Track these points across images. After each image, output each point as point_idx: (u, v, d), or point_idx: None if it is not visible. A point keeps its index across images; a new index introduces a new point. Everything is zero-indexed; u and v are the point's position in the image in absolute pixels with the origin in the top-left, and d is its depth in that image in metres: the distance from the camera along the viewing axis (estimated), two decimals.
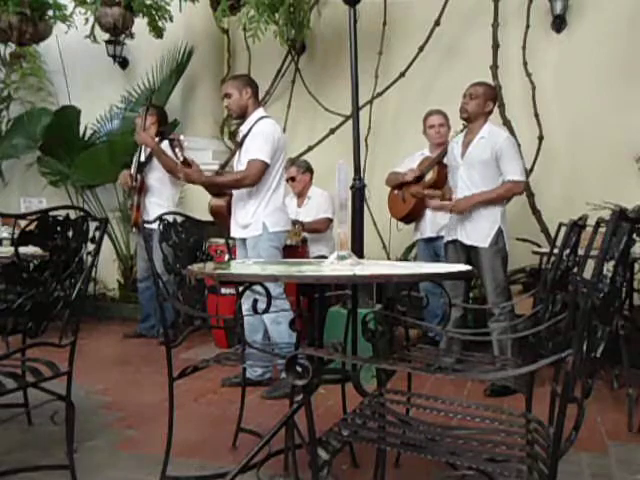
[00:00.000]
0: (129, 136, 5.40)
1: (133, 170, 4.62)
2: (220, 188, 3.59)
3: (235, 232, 3.53)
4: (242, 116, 3.52)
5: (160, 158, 4.43)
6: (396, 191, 4.41)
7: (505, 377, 2.72)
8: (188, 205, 5.22)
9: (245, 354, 2.46)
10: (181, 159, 3.61)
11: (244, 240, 3.49)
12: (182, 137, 3.72)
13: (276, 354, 2.45)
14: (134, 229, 4.72)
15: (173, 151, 3.66)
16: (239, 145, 3.52)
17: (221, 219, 3.68)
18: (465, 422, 1.59)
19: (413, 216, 4.37)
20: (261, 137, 3.38)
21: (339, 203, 1.90)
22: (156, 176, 4.56)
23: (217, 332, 4.37)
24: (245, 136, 3.46)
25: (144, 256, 4.63)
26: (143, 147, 4.62)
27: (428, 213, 4.27)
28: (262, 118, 3.46)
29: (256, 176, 3.35)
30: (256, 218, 3.41)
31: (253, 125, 3.44)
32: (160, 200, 4.52)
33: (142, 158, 4.59)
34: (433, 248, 4.31)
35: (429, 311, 4.12)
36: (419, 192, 4.12)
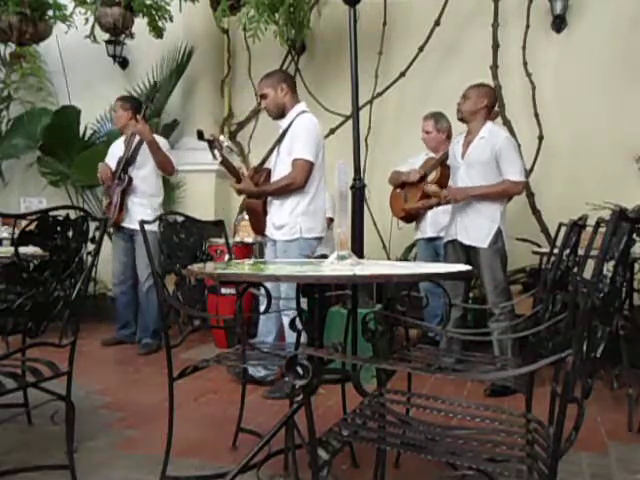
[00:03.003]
0: None
1: (114, 166, 4.46)
2: (271, 195, 3.43)
3: (269, 232, 3.44)
4: (281, 115, 3.39)
5: (157, 153, 4.30)
6: (398, 190, 4.42)
7: (505, 377, 2.73)
8: (189, 205, 5.22)
9: (246, 354, 2.46)
10: (220, 159, 3.45)
11: (275, 242, 3.41)
12: (222, 137, 3.58)
13: (276, 354, 2.44)
14: (112, 229, 4.50)
15: (212, 152, 3.51)
16: (278, 141, 3.42)
17: (256, 216, 3.57)
18: (465, 422, 1.59)
19: (414, 215, 4.38)
20: (303, 135, 3.27)
21: (339, 201, 1.89)
22: (142, 174, 4.41)
23: (217, 332, 4.36)
24: (285, 131, 3.35)
25: (121, 258, 4.54)
26: (123, 142, 4.51)
27: (429, 213, 4.27)
28: (302, 113, 3.35)
29: (303, 178, 3.26)
30: (293, 219, 3.31)
31: (293, 120, 3.33)
32: (143, 200, 4.39)
33: (121, 153, 4.45)
34: (434, 248, 4.31)
35: (429, 311, 4.12)
36: (428, 193, 4.11)
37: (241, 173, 3.53)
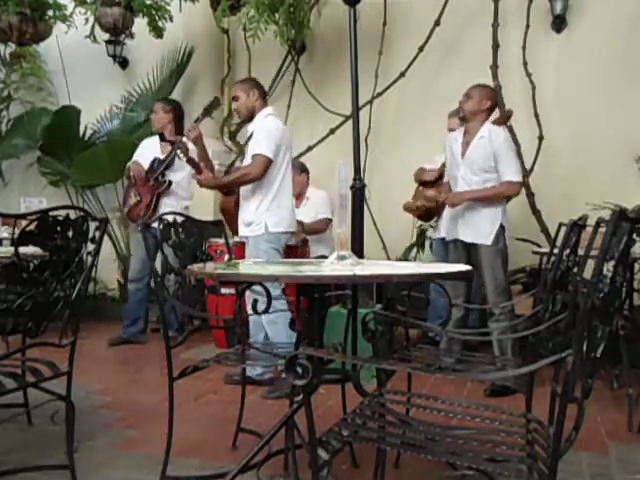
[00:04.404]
0: (129, 136, 5.39)
1: (146, 165, 4.49)
2: (227, 187, 3.63)
3: (241, 230, 3.56)
4: (250, 118, 3.56)
5: (206, 159, 4.03)
6: (420, 188, 4.42)
7: (505, 377, 2.73)
8: (188, 205, 5.22)
9: (245, 354, 2.46)
10: (184, 160, 3.64)
11: (248, 238, 3.51)
12: (184, 139, 3.70)
13: (276, 354, 2.44)
14: (139, 228, 4.62)
15: (175, 152, 3.63)
16: (246, 143, 3.57)
17: (229, 216, 3.70)
18: (465, 422, 1.59)
19: (432, 213, 4.37)
20: (262, 133, 3.41)
21: (339, 200, 1.90)
22: (178, 178, 4.47)
23: (217, 332, 4.36)
24: (251, 135, 3.50)
25: (141, 256, 4.58)
26: (158, 143, 4.51)
27: (446, 212, 4.26)
28: (267, 116, 3.50)
29: (260, 171, 3.37)
30: (258, 216, 3.43)
31: (259, 123, 3.49)
32: (174, 202, 4.44)
33: (161, 156, 4.46)
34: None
35: (433, 311, 4.11)
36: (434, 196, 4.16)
37: (203, 165, 3.73)
